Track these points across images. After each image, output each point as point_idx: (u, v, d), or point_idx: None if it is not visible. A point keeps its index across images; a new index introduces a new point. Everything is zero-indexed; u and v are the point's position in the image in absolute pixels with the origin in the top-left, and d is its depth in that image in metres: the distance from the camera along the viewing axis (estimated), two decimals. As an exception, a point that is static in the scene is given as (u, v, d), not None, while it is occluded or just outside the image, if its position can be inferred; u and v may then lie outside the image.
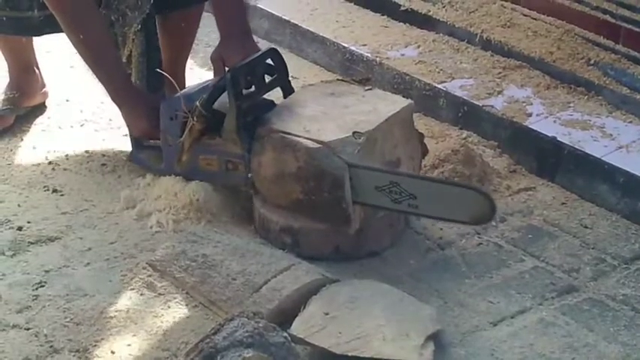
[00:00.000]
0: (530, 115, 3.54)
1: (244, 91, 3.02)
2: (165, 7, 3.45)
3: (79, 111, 3.79)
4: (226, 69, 3.07)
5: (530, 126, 3.48)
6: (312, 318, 2.59)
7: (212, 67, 3.17)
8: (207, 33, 4.15)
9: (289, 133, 2.93)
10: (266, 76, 3.14)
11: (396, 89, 3.80)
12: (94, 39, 3.19)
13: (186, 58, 3.67)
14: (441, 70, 3.87)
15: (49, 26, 3.36)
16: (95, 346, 2.60)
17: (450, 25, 4.14)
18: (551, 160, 3.39)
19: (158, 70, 3.33)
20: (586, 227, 3.16)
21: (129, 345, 2.61)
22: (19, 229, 3.06)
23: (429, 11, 4.24)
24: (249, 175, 3.01)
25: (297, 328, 2.56)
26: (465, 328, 2.71)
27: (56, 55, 4.12)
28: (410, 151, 3.09)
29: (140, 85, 3.40)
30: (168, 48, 3.51)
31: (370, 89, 3.17)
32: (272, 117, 3.02)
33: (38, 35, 3.54)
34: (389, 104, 3.07)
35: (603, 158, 3.28)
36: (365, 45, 4.11)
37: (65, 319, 2.69)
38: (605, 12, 3.81)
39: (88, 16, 3.18)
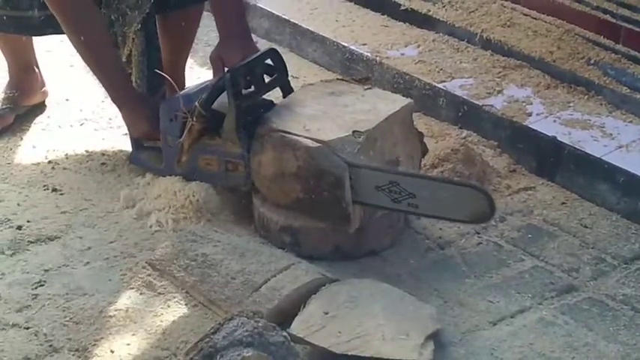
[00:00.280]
0: (530, 114, 3.54)
1: (244, 91, 3.02)
2: (166, 6, 3.45)
3: (79, 110, 3.79)
4: (225, 69, 3.07)
5: (530, 125, 3.48)
6: (311, 317, 2.59)
7: (211, 67, 3.17)
8: (207, 32, 4.16)
9: (289, 133, 2.92)
10: (265, 76, 3.14)
11: (396, 89, 3.80)
12: (94, 40, 3.20)
13: (186, 58, 3.67)
14: (441, 69, 3.87)
15: (49, 26, 3.36)
16: (94, 345, 2.60)
17: (450, 24, 4.13)
18: (551, 159, 3.39)
19: (157, 71, 3.33)
20: (586, 227, 3.15)
21: (128, 344, 2.61)
22: (19, 228, 3.06)
23: (429, 11, 4.23)
24: (249, 175, 3.01)
25: (297, 327, 2.55)
26: (465, 327, 2.71)
27: (56, 54, 4.12)
28: (410, 151, 3.09)
29: (140, 85, 3.40)
30: (168, 47, 3.51)
31: (370, 88, 3.17)
32: (272, 116, 3.01)
33: (38, 35, 3.54)
34: (389, 103, 3.07)
35: (603, 158, 3.28)
36: (365, 44, 4.11)
37: (65, 319, 2.69)
38: (605, 12, 3.81)
39: (88, 16, 3.18)
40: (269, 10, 4.45)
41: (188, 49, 3.66)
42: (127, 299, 2.78)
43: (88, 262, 2.93)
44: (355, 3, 4.49)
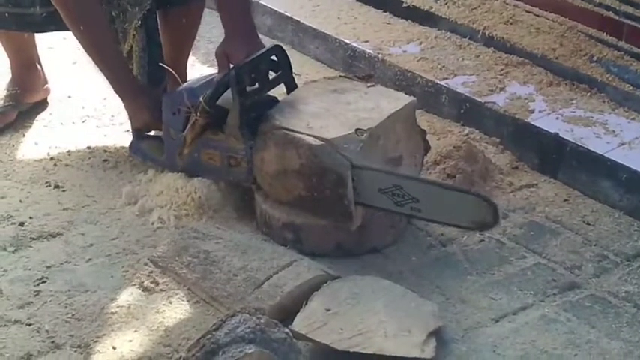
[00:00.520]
0: (532, 111, 3.54)
1: (248, 88, 3.02)
2: (166, 2, 3.45)
3: (81, 107, 3.79)
4: (231, 65, 3.07)
5: (532, 122, 3.48)
6: (313, 314, 2.59)
7: (215, 64, 3.16)
8: (209, 29, 4.16)
9: (292, 130, 2.92)
10: (270, 72, 3.14)
11: (398, 86, 3.80)
12: (96, 31, 3.20)
13: (188, 55, 3.67)
14: (443, 66, 3.87)
15: (51, 23, 3.36)
16: (96, 341, 2.61)
17: (453, 21, 4.13)
18: (554, 156, 3.39)
19: (160, 64, 3.33)
20: (588, 224, 3.15)
21: (130, 341, 2.61)
22: (21, 224, 3.07)
23: (431, 8, 4.23)
24: (251, 171, 3.01)
25: (299, 324, 2.55)
26: (467, 324, 2.71)
27: (58, 51, 4.12)
28: (412, 148, 3.09)
29: (141, 81, 3.40)
30: (169, 44, 3.51)
31: (373, 86, 3.17)
32: (275, 113, 3.01)
33: (40, 32, 3.54)
34: (391, 101, 3.07)
35: (606, 155, 3.27)
36: (367, 42, 4.10)
37: (67, 315, 2.70)
38: (608, 9, 3.80)
39: (90, 8, 3.18)
40: (271, 7, 4.45)
41: (189, 46, 3.66)
42: (129, 296, 2.78)
43: (90, 259, 2.94)
44: (357, 0, 4.49)
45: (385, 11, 4.37)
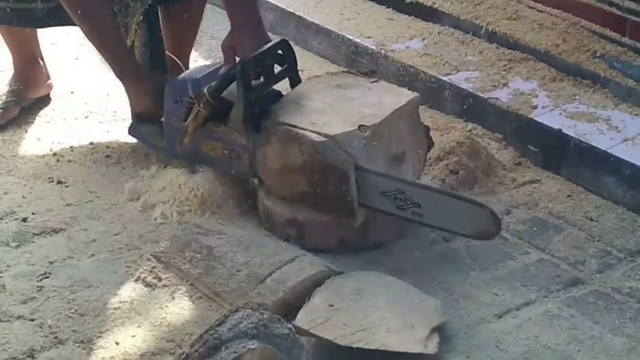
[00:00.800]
0: (535, 107, 3.53)
1: (253, 82, 3.01)
2: (168, -2, 3.45)
3: (84, 103, 3.79)
4: (237, 58, 3.06)
5: (535, 118, 3.47)
6: (316, 310, 2.59)
7: (223, 55, 3.14)
8: (212, 25, 4.16)
9: (295, 126, 2.92)
10: (275, 65, 3.13)
11: (401, 82, 3.79)
12: (96, 14, 3.19)
13: (190, 50, 3.66)
14: (446, 62, 3.86)
15: (53, 18, 3.36)
16: (99, 337, 2.60)
17: (455, 17, 4.12)
18: (557, 152, 3.38)
19: (168, 53, 3.32)
20: (591, 220, 3.15)
21: (133, 336, 2.61)
22: (24, 220, 3.06)
23: (434, 3, 4.22)
24: (252, 165, 3.01)
25: (302, 319, 2.55)
26: (470, 320, 2.70)
27: (61, 47, 4.12)
28: (415, 144, 3.08)
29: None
30: (171, 39, 3.50)
31: (376, 81, 3.17)
32: (278, 109, 3.01)
33: (42, 27, 3.54)
34: (395, 97, 3.06)
35: (609, 151, 3.27)
36: (370, 37, 4.10)
37: (69, 310, 2.70)
38: (611, 4, 3.79)
39: None
40: (274, 3, 4.45)
41: (191, 42, 3.65)
42: (131, 291, 2.78)
43: (92, 255, 2.93)
44: (360, -4, 4.49)
45: (388, 7, 4.36)
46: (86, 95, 3.83)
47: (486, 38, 4.01)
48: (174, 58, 3.28)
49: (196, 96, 3.05)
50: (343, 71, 3.34)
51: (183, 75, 3.20)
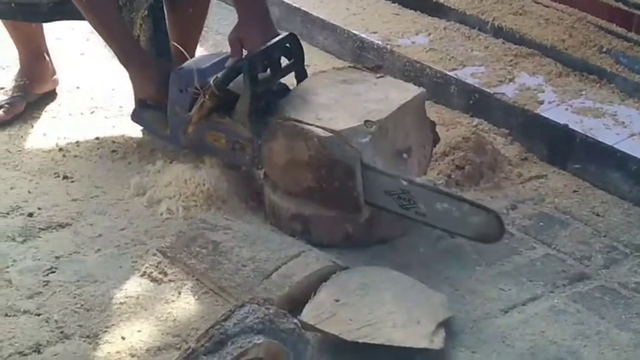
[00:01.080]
0: (541, 102, 3.53)
1: (260, 76, 3.01)
2: (173, -8, 3.44)
3: (90, 98, 3.79)
4: (244, 51, 3.06)
5: (541, 114, 3.47)
6: (322, 305, 2.59)
7: (229, 47, 3.13)
8: (218, 21, 4.16)
9: (301, 121, 2.92)
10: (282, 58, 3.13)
11: (407, 77, 3.79)
12: (100, 2, 3.18)
13: (195, 46, 3.66)
14: (452, 57, 3.86)
15: (57, 13, 3.36)
16: (105, 332, 2.61)
17: (462, 12, 4.12)
18: (563, 147, 3.38)
19: (174, 43, 3.32)
20: (598, 215, 3.15)
21: (139, 331, 2.61)
22: (30, 215, 3.07)
23: (440, -2, 4.23)
24: (256, 157, 3.02)
25: (308, 314, 2.55)
26: (476, 315, 2.70)
27: (67, 42, 4.12)
28: (421, 140, 3.08)
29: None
30: (176, 34, 3.50)
31: (382, 77, 3.17)
32: (284, 104, 3.01)
33: (47, 22, 3.54)
34: (401, 92, 3.06)
35: (615, 146, 3.27)
36: (376, 32, 4.10)
37: (75, 305, 2.70)
38: (617, -1, 3.80)
39: None
40: (280, -2, 4.45)
41: (197, 37, 3.65)
42: (137, 286, 2.78)
43: (98, 250, 2.94)
44: (366, -9, 4.48)
45: (394, 2, 4.36)
46: (92, 90, 3.83)
47: (492, 33, 4.01)
48: (180, 47, 3.26)
49: (202, 87, 3.04)
50: (349, 66, 3.34)
51: (188, 64, 3.19)
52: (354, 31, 4.13)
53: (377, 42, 4.02)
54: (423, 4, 4.26)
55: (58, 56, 3.85)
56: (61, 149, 3.43)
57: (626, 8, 3.78)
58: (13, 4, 3.38)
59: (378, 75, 3.17)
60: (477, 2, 4.15)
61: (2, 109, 3.59)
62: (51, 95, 3.78)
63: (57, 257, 2.89)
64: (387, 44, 3.99)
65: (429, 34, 4.07)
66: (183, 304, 2.71)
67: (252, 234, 2.90)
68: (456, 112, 3.69)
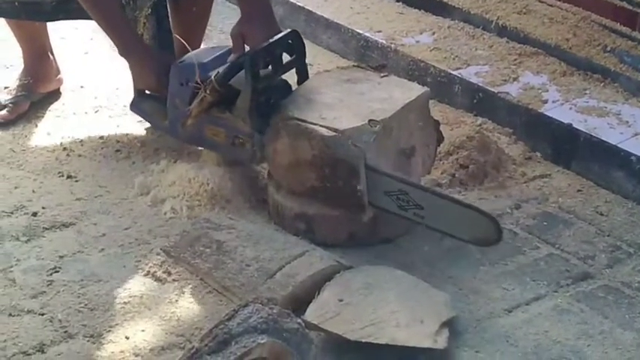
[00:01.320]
0: (545, 101, 3.53)
1: (261, 72, 3.01)
2: (177, -10, 3.45)
3: (94, 97, 3.79)
4: (246, 47, 3.06)
5: (545, 113, 3.47)
6: (326, 304, 2.59)
7: (232, 43, 3.13)
8: (222, 20, 4.16)
9: (305, 121, 2.92)
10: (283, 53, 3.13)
11: (411, 76, 3.79)
12: None
13: (199, 45, 3.65)
14: (456, 56, 3.86)
15: (61, 12, 3.36)
16: (109, 331, 2.61)
17: (466, 11, 4.12)
18: (567, 147, 3.38)
19: (176, 36, 3.32)
20: (602, 214, 3.14)
21: (143, 330, 2.61)
22: (34, 214, 3.07)
23: (444, -3, 4.23)
24: (255, 153, 3.02)
25: (311, 314, 2.55)
26: (480, 314, 2.70)
27: (71, 41, 4.13)
28: (425, 139, 3.08)
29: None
30: (180, 32, 3.49)
31: (386, 76, 3.16)
32: (288, 104, 3.01)
33: (50, 21, 3.55)
34: (405, 92, 3.06)
35: (619, 145, 3.26)
36: (380, 31, 4.10)
37: (79, 305, 2.70)
38: (621, -2, 3.80)
39: None
40: (284, -3, 4.45)
41: (200, 35, 3.65)
42: (141, 286, 2.78)
43: (102, 249, 2.94)
44: (370, -10, 4.48)
45: (398, 1, 4.36)
46: (96, 90, 3.83)
47: (496, 32, 4.00)
48: (183, 41, 3.25)
49: (203, 81, 3.04)
50: (353, 65, 3.34)
51: (189, 57, 3.18)
52: (358, 30, 4.13)
53: (381, 41, 4.02)
54: (427, 3, 4.26)
55: (62, 55, 3.85)
56: (65, 148, 3.44)
57: (630, 7, 3.77)
58: (16, 3, 3.38)
59: (382, 74, 3.17)
60: (481, 1, 4.15)
61: (6, 109, 3.60)
62: (55, 94, 3.78)
63: (61, 257, 2.89)
64: (391, 43, 3.99)
65: (433, 33, 4.06)
66: (187, 303, 2.72)
67: (256, 233, 2.90)
68: (460, 112, 3.69)
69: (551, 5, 4.04)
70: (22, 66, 3.73)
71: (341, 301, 2.60)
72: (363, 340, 2.47)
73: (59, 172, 3.30)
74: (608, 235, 3.04)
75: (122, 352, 2.54)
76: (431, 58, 3.86)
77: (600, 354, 2.57)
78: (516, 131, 3.53)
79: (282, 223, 3.02)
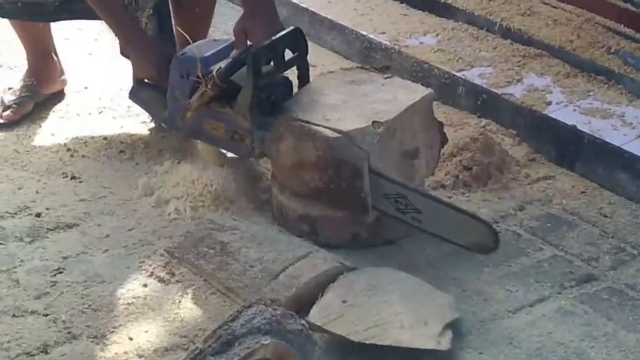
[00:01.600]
0: (549, 103, 3.53)
1: (263, 69, 3.00)
2: (178, -9, 3.45)
3: (98, 98, 3.79)
4: (249, 43, 3.06)
5: (549, 114, 3.47)
6: (329, 306, 2.59)
7: (234, 39, 3.13)
8: (225, 21, 4.15)
9: (308, 122, 2.92)
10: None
11: (415, 77, 3.79)
12: None
13: (202, 46, 3.66)
14: (460, 58, 3.86)
15: (64, 12, 3.36)
16: (113, 332, 2.61)
17: (470, 13, 4.12)
18: (571, 148, 3.38)
19: (178, 29, 3.32)
20: (605, 216, 3.14)
21: (146, 331, 2.61)
22: (38, 215, 3.07)
23: (448, -1, 4.23)
24: (254, 148, 3.03)
25: (315, 315, 2.55)
26: (484, 316, 2.70)
27: (75, 42, 4.13)
28: (429, 140, 3.08)
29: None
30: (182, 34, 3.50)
31: (390, 77, 3.16)
32: (292, 105, 3.01)
33: (53, 21, 3.55)
34: (409, 93, 3.06)
35: (623, 147, 3.26)
36: (384, 33, 4.10)
37: (83, 306, 2.70)
38: (625, 0, 3.78)
39: None
40: (288, -2, 4.45)
41: (203, 37, 3.63)
42: (145, 287, 2.79)
43: (106, 250, 2.94)
44: (374, -9, 4.48)
45: (402, 2, 4.36)
46: (100, 91, 3.83)
47: (500, 34, 4.00)
48: (185, 35, 3.25)
49: (204, 76, 3.04)
50: (357, 67, 3.34)
51: (190, 49, 3.17)
52: (361, 32, 4.12)
53: (385, 42, 4.02)
54: (431, 5, 4.26)
55: (66, 56, 3.85)
56: (69, 149, 3.44)
57: (634, 9, 3.78)
58: (19, 4, 3.38)
59: (385, 75, 3.17)
60: (485, 3, 4.15)
61: (10, 110, 3.60)
62: (59, 95, 3.78)
63: (64, 257, 2.89)
64: (395, 45, 3.99)
65: (437, 35, 4.06)
66: (191, 304, 2.72)
67: (260, 235, 2.90)
68: (463, 113, 3.69)
69: (555, 7, 4.05)
70: (26, 67, 3.73)
71: (344, 302, 2.60)
72: (367, 342, 2.47)
73: (63, 173, 3.30)
74: (612, 237, 3.04)
75: (126, 353, 2.54)
76: (435, 59, 3.86)
77: (604, 356, 2.57)
78: (520, 133, 3.53)
79: (285, 224, 3.02)
